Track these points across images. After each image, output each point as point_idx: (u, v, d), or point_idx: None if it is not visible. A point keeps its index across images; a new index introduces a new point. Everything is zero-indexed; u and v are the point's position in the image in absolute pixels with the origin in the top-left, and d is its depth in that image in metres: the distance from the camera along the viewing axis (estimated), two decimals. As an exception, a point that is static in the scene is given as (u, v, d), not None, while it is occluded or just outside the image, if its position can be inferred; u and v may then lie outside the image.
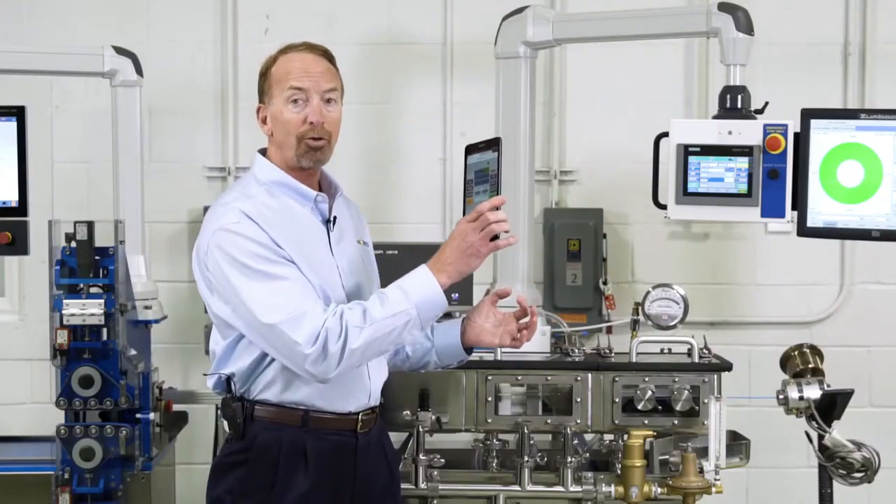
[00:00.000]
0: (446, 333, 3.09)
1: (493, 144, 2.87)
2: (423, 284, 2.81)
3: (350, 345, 2.74)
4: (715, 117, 3.62)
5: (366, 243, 3.12)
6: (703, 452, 3.43)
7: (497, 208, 2.79)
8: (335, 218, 3.00)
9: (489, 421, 3.58)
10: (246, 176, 3.03)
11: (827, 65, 4.93)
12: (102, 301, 3.87)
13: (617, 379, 3.57)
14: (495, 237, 2.80)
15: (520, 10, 3.90)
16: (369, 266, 3.11)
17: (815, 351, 3.78)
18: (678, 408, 3.55)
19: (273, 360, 2.87)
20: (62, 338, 3.85)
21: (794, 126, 3.52)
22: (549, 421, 3.59)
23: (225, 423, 3.00)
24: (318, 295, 2.85)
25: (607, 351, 3.75)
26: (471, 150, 2.92)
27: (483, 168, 2.88)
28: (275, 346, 2.80)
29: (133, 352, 3.97)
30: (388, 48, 4.97)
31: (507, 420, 3.60)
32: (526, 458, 3.52)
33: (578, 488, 3.52)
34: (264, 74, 2.96)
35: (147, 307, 4.32)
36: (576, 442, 3.62)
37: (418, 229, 4.95)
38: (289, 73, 2.92)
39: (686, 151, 3.58)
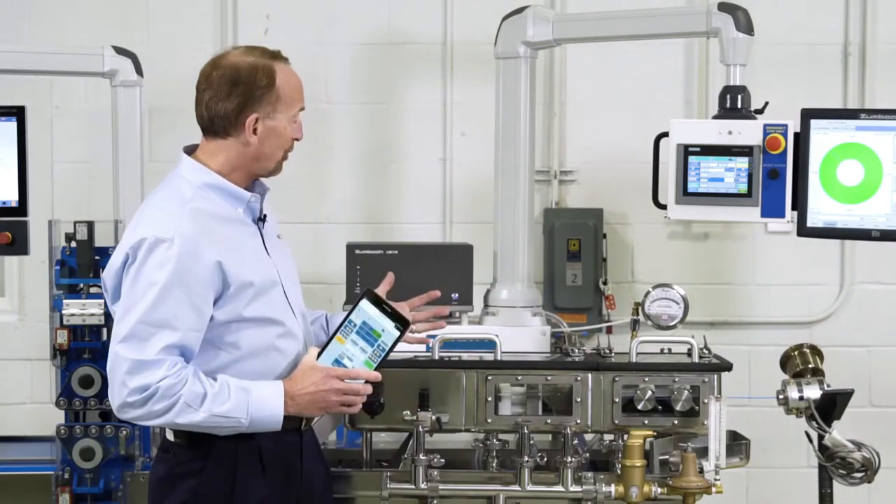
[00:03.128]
0: None
1: (403, 324, 2.91)
2: (269, 406, 2.83)
3: (172, 416, 2.74)
4: (715, 117, 3.62)
5: (279, 236, 3.12)
6: (703, 452, 3.42)
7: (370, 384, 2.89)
8: (265, 216, 3.02)
9: (489, 421, 3.58)
10: (173, 176, 2.96)
11: (827, 65, 4.93)
12: (102, 301, 3.87)
13: (617, 379, 3.56)
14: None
15: (520, 10, 3.90)
16: (290, 259, 3.12)
17: (815, 351, 3.78)
18: (678, 408, 3.54)
19: (227, 369, 2.87)
20: (62, 338, 3.86)
21: (794, 126, 3.52)
22: (549, 421, 3.59)
23: (169, 431, 2.92)
24: (260, 294, 2.87)
25: (607, 351, 3.74)
26: (373, 299, 2.93)
27: (375, 330, 2.91)
28: (112, 364, 2.77)
29: (133, 352, 3.96)
30: (388, 48, 4.97)
31: (507, 420, 3.59)
32: (526, 458, 3.52)
33: (578, 488, 3.52)
34: (267, 85, 2.89)
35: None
36: (576, 442, 3.62)
37: (418, 229, 4.95)
38: (299, 92, 2.96)
39: (686, 151, 3.58)
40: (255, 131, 2.89)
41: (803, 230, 3.54)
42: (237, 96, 2.88)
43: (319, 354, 2.92)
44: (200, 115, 2.93)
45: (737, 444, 3.66)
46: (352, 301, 3.80)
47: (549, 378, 3.58)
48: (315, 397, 2.87)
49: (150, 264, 2.76)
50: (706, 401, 3.48)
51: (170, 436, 2.93)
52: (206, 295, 2.80)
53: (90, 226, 3.94)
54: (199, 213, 2.84)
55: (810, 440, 3.59)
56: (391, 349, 2.93)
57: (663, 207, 3.64)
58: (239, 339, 2.88)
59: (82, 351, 3.90)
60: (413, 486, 3.53)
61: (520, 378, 3.59)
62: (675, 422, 3.56)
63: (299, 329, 3.03)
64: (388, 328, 2.92)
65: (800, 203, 3.51)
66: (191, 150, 2.99)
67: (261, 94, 2.88)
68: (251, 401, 2.81)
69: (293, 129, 2.96)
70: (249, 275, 2.87)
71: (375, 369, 2.92)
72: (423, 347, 3.62)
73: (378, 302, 2.93)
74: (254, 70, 2.88)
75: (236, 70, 2.89)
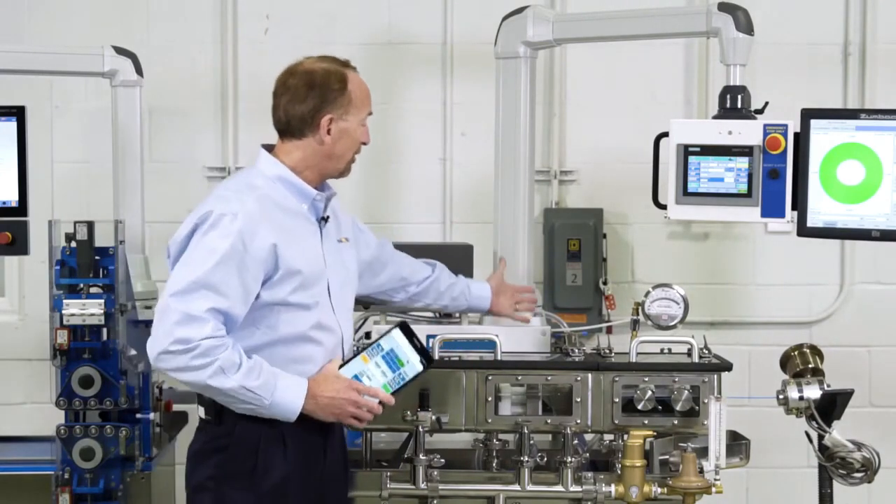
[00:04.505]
0: (480, 298, 3.68)
1: (427, 360, 3.08)
2: (291, 396, 2.99)
3: (205, 375, 2.89)
4: (715, 117, 3.62)
5: (347, 239, 3.30)
6: (703, 452, 3.42)
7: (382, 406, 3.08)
8: (327, 217, 3.18)
9: (489, 421, 3.58)
10: (248, 168, 3.19)
11: (827, 65, 4.94)
12: (102, 301, 3.87)
13: (617, 379, 3.56)
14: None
15: (520, 10, 3.90)
16: (350, 264, 3.29)
17: (815, 351, 3.78)
18: (678, 408, 3.54)
19: (262, 350, 3.01)
20: (62, 338, 3.85)
21: (794, 126, 3.51)
22: (549, 421, 3.59)
23: (201, 408, 3.09)
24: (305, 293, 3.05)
25: (607, 351, 3.74)
26: (406, 331, 3.08)
27: (400, 359, 3.07)
28: (161, 312, 2.92)
29: (133, 352, 3.97)
30: (388, 48, 4.97)
31: (507, 420, 3.59)
32: (526, 458, 3.52)
33: (578, 488, 3.52)
34: (340, 89, 3.10)
35: (147, 307, 4.31)
36: (576, 442, 3.62)
37: (418, 229, 4.95)
38: (368, 98, 3.19)
39: (686, 151, 3.58)
40: (328, 131, 3.10)
41: (803, 230, 3.54)
42: (313, 98, 3.09)
43: (342, 367, 3.07)
44: (278, 119, 3.14)
45: (737, 444, 3.66)
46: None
47: (549, 378, 3.58)
48: (333, 402, 3.02)
49: (213, 234, 2.95)
50: (706, 401, 3.48)
51: (201, 413, 3.10)
52: (256, 273, 2.97)
53: (90, 226, 3.93)
54: (265, 199, 3.04)
55: (810, 440, 3.59)
56: (411, 381, 3.09)
57: (663, 207, 3.64)
58: (277, 322, 3.04)
59: (82, 351, 3.90)
60: (413, 486, 3.53)
61: (520, 378, 3.59)
62: (675, 422, 3.56)
63: (336, 325, 3.16)
64: (413, 360, 3.08)
65: (800, 203, 3.51)
66: (268, 150, 3.18)
67: (334, 96, 3.10)
68: (278, 385, 2.96)
69: (362, 133, 3.18)
70: (299, 263, 3.04)
71: (393, 394, 3.08)
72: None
73: (410, 334, 3.08)
74: (328, 75, 3.11)
75: (311, 75, 3.11)
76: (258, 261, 2.96)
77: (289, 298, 3.02)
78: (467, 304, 3.68)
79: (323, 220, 3.17)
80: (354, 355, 3.09)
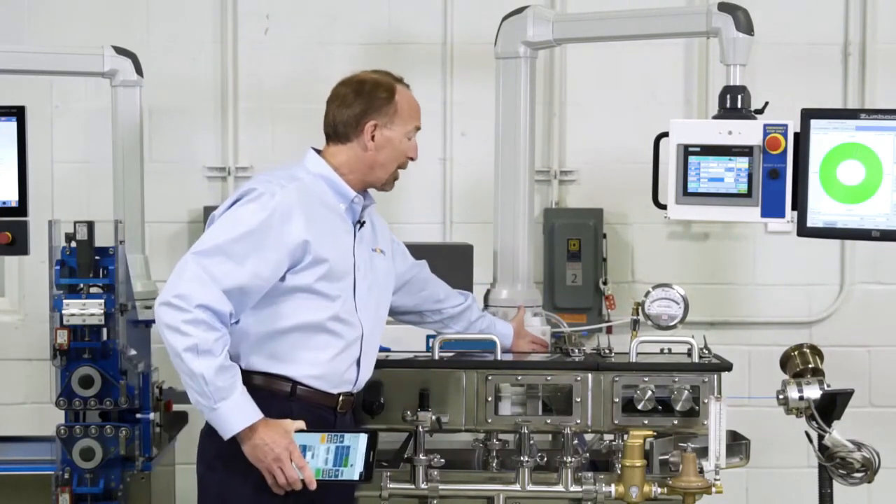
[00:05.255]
0: (503, 336, 3.66)
1: (368, 475, 3.04)
2: (237, 418, 2.96)
3: (180, 344, 2.90)
4: (715, 117, 3.62)
5: (382, 251, 3.35)
6: (703, 452, 3.42)
7: (303, 484, 3.00)
8: (363, 222, 3.24)
9: (489, 421, 3.58)
10: (294, 163, 3.24)
11: (827, 65, 4.94)
12: (102, 301, 3.87)
13: (617, 379, 3.56)
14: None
15: (520, 10, 3.90)
16: (382, 273, 3.32)
17: (815, 351, 3.78)
18: (678, 408, 3.54)
19: (280, 335, 3.06)
20: (62, 338, 3.85)
21: (794, 126, 3.51)
22: (549, 421, 3.59)
23: None
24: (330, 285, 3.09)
25: (607, 351, 3.74)
26: (371, 442, 3.06)
27: (347, 459, 3.05)
28: (179, 267, 2.98)
29: (133, 352, 3.96)
30: (388, 48, 4.97)
31: (507, 420, 3.59)
32: (526, 458, 3.52)
33: (578, 488, 3.52)
34: (387, 98, 3.20)
35: (147, 307, 4.31)
36: (576, 442, 3.61)
37: (418, 229, 4.95)
38: (416, 112, 3.31)
39: (686, 151, 3.58)
40: (372, 137, 3.19)
41: (803, 230, 3.54)
42: (359, 104, 3.20)
43: (302, 431, 3.04)
44: (327, 124, 3.24)
45: (737, 444, 3.66)
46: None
47: (549, 378, 3.58)
48: (264, 448, 2.98)
49: (249, 207, 3.03)
50: (706, 401, 3.48)
51: None
52: (280, 256, 3.02)
53: (90, 226, 3.93)
54: (306, 190, 3.12)
55: (810, 440, 3.59)
56: (339, 482, 3.06)
57: (663, 207, 3.64)
58: (298, 308, 3.08)
59: (82, 351, 3.89)
60: (413, 486, 3.53)
61: (520, 378, 3.59)
62: (675, 422, 3.55)
63: (357, 322, 3.18)
64: (356, 467, 3.04)
65: (800, 203, 3.51)
66: (318, 152, 3.26)
67: (380, 104, 3.21)
68: (233, 399, 2.96)
69: (408, 146, 3.27)
70: (328, 253, 3.09)
71: (318, 482, 3.02)
72: (423, 347, 3.68)
73: (372, 447, 3.07)
74: (377, 84, 3.24)
75: (361, 83, 3.24)
76: (285, 245, 3.01)
77: (314, 286, 3.06)
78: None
79: (359, 223, 3.23)
80: (317, 431, 3.07)
